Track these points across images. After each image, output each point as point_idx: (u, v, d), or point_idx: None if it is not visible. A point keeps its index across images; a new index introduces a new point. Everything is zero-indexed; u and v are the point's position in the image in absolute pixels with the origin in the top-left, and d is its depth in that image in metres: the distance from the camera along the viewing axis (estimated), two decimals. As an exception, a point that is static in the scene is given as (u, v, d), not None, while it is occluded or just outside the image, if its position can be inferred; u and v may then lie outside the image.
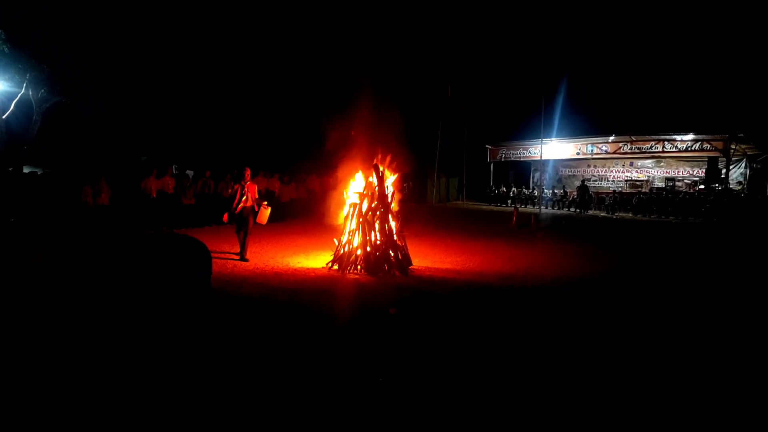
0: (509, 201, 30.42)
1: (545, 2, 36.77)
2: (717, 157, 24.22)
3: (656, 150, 27.39)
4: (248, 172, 10.06)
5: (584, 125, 30.17)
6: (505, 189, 32.01)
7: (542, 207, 27.96)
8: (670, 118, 28.17)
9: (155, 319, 5.08)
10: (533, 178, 33.55)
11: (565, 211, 27.61)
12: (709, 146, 25.35)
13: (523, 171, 34.61)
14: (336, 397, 3.93)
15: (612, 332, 5.96)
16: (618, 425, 3.69)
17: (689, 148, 26.26)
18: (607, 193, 27.48)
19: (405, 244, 9.52)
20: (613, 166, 30.53)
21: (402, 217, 9.88)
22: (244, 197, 9.84)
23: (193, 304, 5.71)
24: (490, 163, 34.19)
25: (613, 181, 30.22)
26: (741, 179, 26.44)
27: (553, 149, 30.25)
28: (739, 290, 8.60)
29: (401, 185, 11.20)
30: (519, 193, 31.30)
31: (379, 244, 9.11)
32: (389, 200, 9.44)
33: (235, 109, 24.08)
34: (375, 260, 8.97)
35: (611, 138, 28.49)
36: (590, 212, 26.40)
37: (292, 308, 6.63)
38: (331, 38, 26.21)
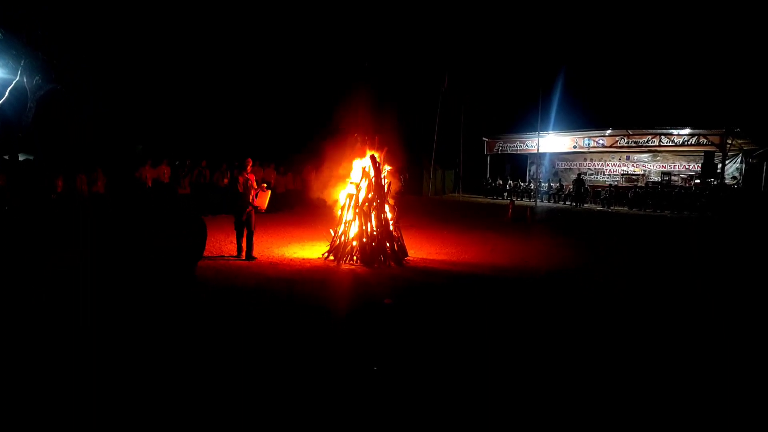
0: (505, 194, 30.40)
1: (544, -5, 36.63)
2: (713, 152, 24.26)
3: (653, 144, 27.39)
4: (250, 163, 9.43)
5: (581, 119, 30.20)
6: (501, 182, 31.98)
7: (538, 200, 28.00)
8: (667, 112, 28.23)
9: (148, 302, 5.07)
10: (530, 171, 33.53)
11: (560, 204, 27.63)
12: (705, 141, 25.37)
13: (519, 164, 34.59)
14: (331, 386, 3.94)
15: (603, 321, 5.99)
16: (609, 411, 3.72)
17: (686, 143, 26.28)
18: (603, 187, 27.50)
19: (401, 235, 9.53)
20: (610, 160, 30.54)
21: (398, 208, 9.88)
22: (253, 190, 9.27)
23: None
24: (486, 155, 34.14)
25: (609, 175, 30.24)
26: (736, 174, 26.51)
27: (550, 142, 30.24)
28: (729, 281, 8.65)
29: (397, 176, 11.16)
30: (515, 186, 31.29)
31: (375, 234, 9.11)
32: (386, 191, 9.42)
33: (231, 98, 23.93)
34: (371, 251, 8.97)
35: (608, 131, 28.48)
36: (586, 206, 26.43)
37: (287, 298, 6.64)
38: (327, 29, 26.08)
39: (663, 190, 25.70)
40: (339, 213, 9.67)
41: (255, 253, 9.10)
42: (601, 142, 29.13)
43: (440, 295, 7.21)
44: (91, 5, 14.89)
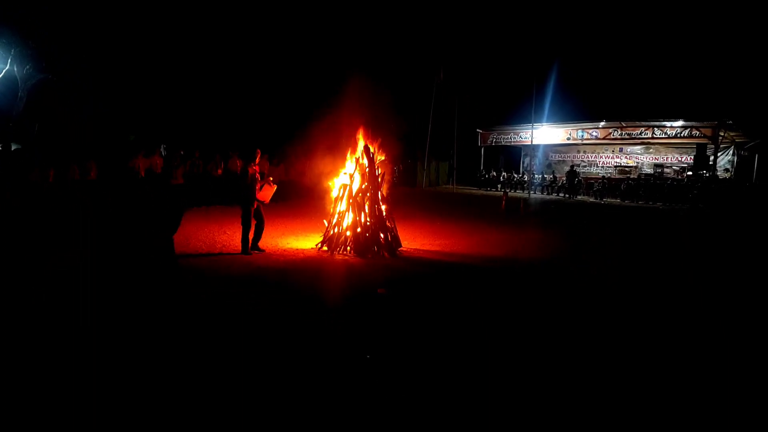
0: (499, 185, 30.48)
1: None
2: (705, 144, 24.41)
3: (646, 136, 27.52)
4: (259, 154, 9.10)
5: (575, 111, 30.28)
6: (495, 174, 32.05)
7: (532, 192, 28.09)
8: (660, 104, 28.32)
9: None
10: (523, 163, 33.61)
11: (554, 196, 27.74)
12: (698, 133, 25.50)
13: (513, 156, 34.66)
14: (323, 373, 3.97)
15: (592, 309, 6.05)
16: (596, 394, 3.77)
17: (678, 135, 26.41)
18: (596, 179, 27.61)
19: (394, 226, 9.55)
20: (603, 152, 30.65)
21: (392, 199, 9.89)
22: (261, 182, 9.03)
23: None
24: (480, 147, 34.18)
25: (602, 167, 30.37)
26: (728, 166, 26.69)
27: (544, 134, 30.31)
28: (718, 271, 8.74)
29: (391, 168, 11.16)
30: (509, 177, 31.36)
31: (369, 225, 9.13)
32: (379, 181, 9.43)
33: (223, 88, 23.81)
34: (364, 241, 8.99)
35: (602, 123, 28.58)
36: (579, 197, 26.54)
37: (281, 288, 6.66)
38: (321, 20, 25.95)
39: (655, 182, 25.84)
40: (332, 204, 9.68)
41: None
42: (594, 134, 29.22)
43: (433, 284, 7.25)
44: None
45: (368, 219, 9.17)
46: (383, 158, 9.62)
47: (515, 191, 28.72)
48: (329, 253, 9.03)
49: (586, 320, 5.73)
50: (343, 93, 10.55)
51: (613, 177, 28.33)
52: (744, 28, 28.96)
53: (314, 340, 4.71)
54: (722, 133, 24.97)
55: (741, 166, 26.37)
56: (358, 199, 9.24)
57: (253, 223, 8.73)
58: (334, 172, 9.93)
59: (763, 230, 14.99)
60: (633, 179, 26.74)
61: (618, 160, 30.03)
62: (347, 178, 9.52)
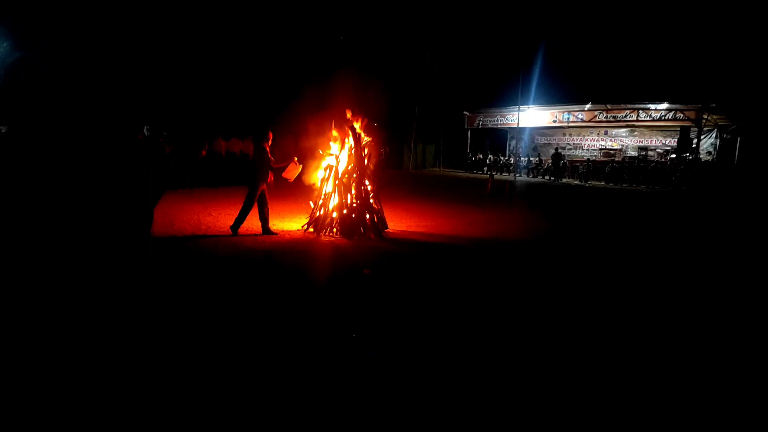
0: (485, 168, 30.60)
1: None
2: (689, 127, 24.63)
3: (631, 119, 27.71)
4: (271, 135, 8.80)
5: (561, 93, 30.34)
6: (481, 156, 32.13)
7: (518, 175, 28.23)
8: (645, 87, 28.44)
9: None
10: (509, 146, 33.69)
11: (539, 179, 27.92)
12: (682, 116, 25.73)
13: (499, 138, 34.71)
14: (309, 352, 3.99)
15: (571, 283, 6.13)
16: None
17: (663, 117, 26.62)
18: (581, 162, 27.82)
19: (381, 207, 9.54)
20: (588, 135, 30.82)
21: (378, 181, 9.86)
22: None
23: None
24: (467, 130, 34.17)
25: (587, 149, 30.56)
26: (711, 149, 26.99)
27: (530, 117, 30.38)
28: (692, 252, 8.89)
29: (378, 149, 11.09)
30: (495, 160, 31.47)
31: (355, 206, 9.11)
32: (366, 163, 9.39)
33: (209, 70, 23.46)
34: (351, 223, 8.98)
35: (587, 106, 28.69)
36: (564, 180, 26.75)
37: (266, 267, 6.64)
38: (307, 2, 25.58)
39: (639, 164, 26.11)
40: (318, 185, 9.63)
41: (230, 226, 8.88)
42: (580, 116, 29.34)
43: (419, 264, 7.28)
44: None
45: (354, 200, 9.15)
46: (369, 139, 9.56)
47: (501, 174, 28.86)
48: (315, 234, 9.01)
49: (563, 294, 5.80)
50: (330, 75, 10.46)
51: (598, 160, 28.56)
52: (728, 13, 29.06)
53: (299, 318, 4.71)
54: (706, 116, 25.23)
55: (723, 149, 26.67)
56: (344, 180, 9.20)
57: (255, 206, 8.53)
58: (320, 154, 9.86)
59: (741, 211, 15.24)
60: (617, 162, 26.99)
61: (603, 143, 30.23)
62: (333, 159, 9.46)
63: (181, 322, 4.54)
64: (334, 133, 9.54)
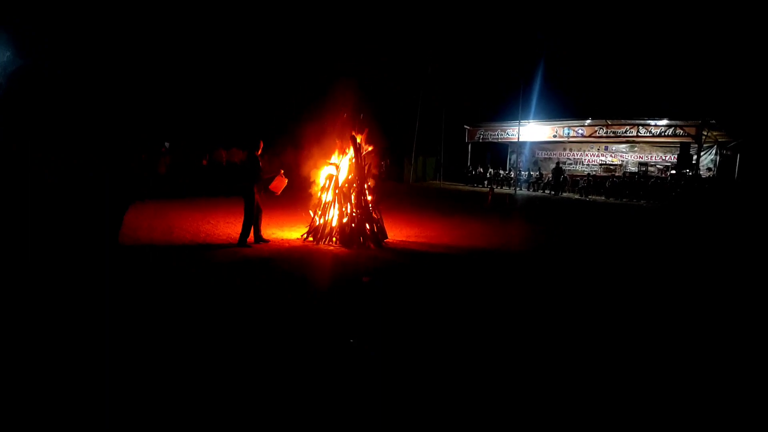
0: (486, 182, 30.62)
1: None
2: (689, 143, 24.66)
3: (631, 134, 27.77)
4: (262, 145, 8.72)
5: (561, 108, 30.47)
6: (482, 170, 32.17)
7: (518, 188, 28.25)
8: (645, 103, 28.62)
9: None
10: (510, 159, 33.76)
11: (540, 193, 27.94)
12: (682, 132, 25.79)
13: (500, 152, 34.80)
14: (307, 357, 3.95)
15: (566, 291, 6.09)
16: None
17: (663, 134, 26.68)
18: (581, 176, 27.84)
19: (380, 217, 9.52)
20: (588, 150, 30.89)
21: (378, 191, 9.86)
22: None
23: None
24: (468, 143, 34.26)
25: (587, 164, 30.60)
26: (711, 165, 27.04)
27: (531, 131, 30.46)
28: (691, 264, 8.86)
29: (378, 161, 11.10)
30: (495, 174, 31.52)
31: (355, 216, 9.09)
32: (366, 172, 9.39)
33: (211, 83, 23.60)
34: (350, 232, 8.96)
35: (587, 121, 28.78)
36: (564, 194, 26.76)
37: (265, 275, 6.61)
38: (310, 15, 25.81)
39: (639, 180, 26.14)
40: (318, 194, 9.62)
41: (234, 233, 8.88)
42: (580, 131, 29.42)
43: (418, 273, 7.24)
44: None
45: (354, 210, 9.13)
46: (370, 149, 9.57)
47: (501, 188, 28.87)
48: (315, 243, 8.98)
49: (558, 301, 5.76)
50: (331, 87, 10.49)
51: (598, 175, 28.60)
52: (728, 30, 29.33)
53: (297, 324, 4.67)
54: (706, 133, 25.30)
55: (723, 165, 26.75)
56: (344, 189, 9.19)
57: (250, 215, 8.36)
58: (320, 164, 9.86)
59: (739, 226, 15.22)
60: (618, 177, 27.01)
61: (603, 158, 30.29)
62: (333, 168, 9.46)
63: (180, 324, 4.50)
64: (335, 143, 9.55)
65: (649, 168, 28.22)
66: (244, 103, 24.62)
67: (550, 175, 28.04)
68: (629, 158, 29.34)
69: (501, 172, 32.02)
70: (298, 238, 9.34)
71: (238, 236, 8.51)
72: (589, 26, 34.91)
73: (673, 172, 25.75)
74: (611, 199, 24.90)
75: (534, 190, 28.68)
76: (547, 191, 27.83)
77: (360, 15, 26.96)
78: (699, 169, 25.40)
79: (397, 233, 10.38)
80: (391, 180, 28.46)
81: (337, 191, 9.22)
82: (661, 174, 27.28)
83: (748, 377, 4.04)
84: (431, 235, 10.70)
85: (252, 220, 8.40)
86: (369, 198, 9.40)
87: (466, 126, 33.83)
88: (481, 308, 5.60)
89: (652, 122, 26.63)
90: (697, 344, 4.77)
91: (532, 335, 4.77)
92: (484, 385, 3.63)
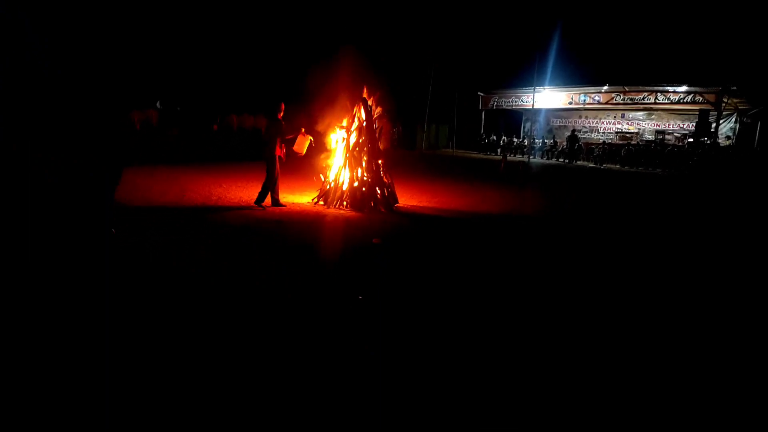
0: (499, 150, 30.29)
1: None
2: (708, 110, 24.10)
3: (649, 101, 27.19)
4: (283, 107, 8.59)
5: (578, 75, 29.83)
6: (495, 138, 31.79)
7: (532, 157, 27.93)
8: (664, 69, 27.90)
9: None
10: (524, 127, 33.31)
11: (554, 161, 27.61)
12: (701, 99, 25.19)
13: (514, 120, 34.32)
14: (318, 312, 3.97)
15: (577, 255, 6.06)
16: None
17: (681, 101, 26.09)
18: (597, 144, 27.43)
19: (392, 182, 9.47)
20: (605, 118, 30.34)
21: (390, 156, 9.78)
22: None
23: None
24: (481, 111, 33.80)
25: (603, 132, 30.10)
26: (730, 134, 26.47)
27: (546, 98, 29.92)
28: (702, 236, 8.74)
29: (390, 128, 10.97)
30: (509, 142, 31.14)
31: (366, 180, 9.04)
32: (377, 136, 9.30)
33: (222, 46, 23.34)
34: (361, 196, 8.93)
35: (604, 88, 28.20)
36: (579, 163, 26.43)
37: (276, 237, 6.63)
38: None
39: (656, 148, 25.69)
40: (329, 158, 9.57)
41: (245, 197, 8.90)
42: (596, 98, 28.86)
43: (428, 235, 7.23)
44: None
45: (365, 174, 9.08)
46: (381, 111, 9.45)
47: (515, 156, 28.56)
48: (325, 207, 8.98)
49: (565, 269, 5.73)
50: (343, 50, 10.30)
51: (613, 143, 28.14)
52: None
53: (307, 282, 4.69)
54: (725, 100, 24.69)
55: (743, 134, 26.15)
56: (355, 153, 9.13)
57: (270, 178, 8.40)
58: (331, 128, 9.78)
59: (758, 196, 14.96)
60: (633, 145, 26.56)
61: (619, 126, 29.76)
62: (344, 132, 9.37)
63: (191, 289, 4.54)
64: (346, 105, 9.44)
65: (666, 136, 27.71)
66: (255, 69, 24.38)
67: (565, 143, 27.66)
68: (646, 126, 28.80)
69: (515, 140, 31.63)
70: (309, 202, 9.33)
71: (250, 200, 8.56)
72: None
73: (691, 140, 25.24)
74: (626, 168, 24.57)
75: (548, 159, 28.35)
76: (561, 159, 27.50)
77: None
78: (717, 137, 24.87)
79: (408, 199, 10.33)
80: (403, 148, 28.27)
81: (347, 155, 9.16)
82: (678, 142, 26.78)
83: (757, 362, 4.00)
84: (442, 201, 10.64)
85: (272, 184, 8.44)
86: (380, 161, 9.32)
87: (479, 93, 33.32)
88: (490, 271, 5.58)
89: (671, 88, 26.03)
90: (703, 327, 4.73)
91: (533, 305, 4.75)
92: (485, 356, 3.63)
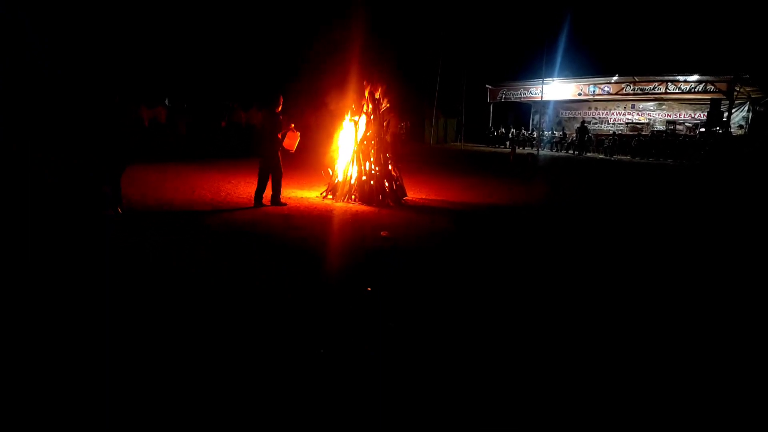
0: (508, 143, 30.14)
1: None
2: (720, 99, 23.80)
3: (659, 91, 26.91)
4: (282, 100, 8.32)
5: (587, 65, 29.56)
6: (504, 130, 31.62)
7: (541, 149, 27.76)
8: (674, 58, 27.55)
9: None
10: (533, 120, 33.10)
11: (563, 153, 27.45)
12: (712, 88, 24.88)
13: (523, 113, 34.13)
14: (326, 302, 3.98)
15: (585, 247, 6.03)
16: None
17: (692, 90, 25.79)
18: (607, 136, 27.19)
19: (400, 175, 9.45)
20: (614, 109, 30.07)
21: (398, 149, 9.76)
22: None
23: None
24: (489, 103, 33.64)
25: (613, 123, 29.83)
26: (743, 123, 26.12)
27: (554, 90, 29.69)
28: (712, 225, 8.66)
29: (397, 119, 10.93)
30: (518, 134, 30.96)
31: (374, 173, 9.04)
32: (384, 129, 9.28)
33: (228, 41, 23.34)
34: (369, 189, 8.93)
35: (614, 78, 27.94)
36: (589, 154, 26.25)
37: (285, 230, 6.64)
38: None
39: (667, 138, 25.44)
40: (336, 152, 9.56)
41: (252, 194, 8.81)
42: (606, 89, 28.61)
43: (437, 227, 7.21)
44: None
45: (373, 167, 9.07)
46: (388, 105, 9.43)
47: (524, 148, 28.41)
48: (334, 201, 8.98)
49: (569, 260, 5.71)
50: (349, 44, 10.29)
51: (624, 134, 27.90)
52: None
53: (315, 275, 4.71)
54: (738, 88, 24.38)
55: (756, 123, 25.78)
56: (362, 146, 9.12)
57: (270, 176, 8.13)
58: (339, 122, 9.76)
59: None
60: (644, 136, 26.31)
61: (630, 117, 29.48)
62: (352, 125, 9.36)
63: (198, 280, 4.57)
64: (353, 99, 9.42)
65: (677, 126, 27.41)
66: (260, 63, 24.35)
67: (575, 135, 27.46)
68: (657, 116, 28.52)
69: (524, 132, 31.43)
70: (317, 197, 9.34)
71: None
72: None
73: (703, 130, 24.95)
74: (637, 159, 24.36)
75: (557, 151, 28.18)
76: (570, 151, 27.31)
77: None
78: (730, 126, 24.56)
79: (417, 192, 10.32)
80: (411, 141, 28.19)
81: (355, 148, 9.15)
82: (690, 132, 26.48)
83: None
84: (451, 194, 10.62)
85: (265, 182, 8.12)
86: (388, 155, 9.31)
87: (488, 86, 33.15)
88: (499, 261, 5.57)
89: (682, 78, 25.74)
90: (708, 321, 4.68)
91: (538, 302, 4.74)
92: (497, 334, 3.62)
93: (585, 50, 30.50)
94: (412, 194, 9.84)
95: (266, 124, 8.29)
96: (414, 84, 26.91)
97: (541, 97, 28.54)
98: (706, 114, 24.28)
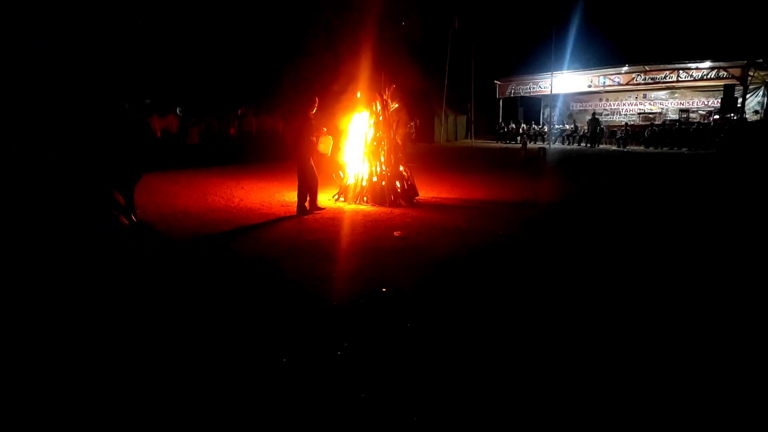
0: (518, 138, 29.95)
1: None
2: (734, 85, 23.44)
3: (671, 80, 26.58)
4: (317, 102, 7.97)
5: (596, 56, 29.31)
6: (514, 126, 31.43)
7: (552, 143, 27.56)
8: (685, 45, 27.19)
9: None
10: (543, 114, 32.87)
11: (575, 146, 27.22)
12: (725, 74, 24.51)
13: (532, 107, 33.89)
14: (341, 306, 3.99)
15: (599, 240, 5.97)
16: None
17: (705, 77, 25.42)
18: (619, 127, 26.92)
19: (411, 175, 9.45)
20: (626, 99, 29.74)
21: (408, 148, 9.75)
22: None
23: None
24: (499, 99, 33.49)
25: (625, 114, 29.51)
26: (758, 108, 25.69)
27: (564, 82, 29.44)
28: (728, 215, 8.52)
29: (407, 119, 10.90)
30: (528, 129, 30.75)
31: (385, 174, 9.04)
32: (394, 129, 9.28)
33: (235, 47, 23.44)
34: (381, 190, 8.93)
35: (624, 68, 27.66)
36: (601, 146, 26.01)
37: (298, 231, 6.67)
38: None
39: (680, 127, 25.10)
40: (347, 154, 9.57)
41: (266, 197, 8.85)
42: (617, 80, 28.33)
43: (450, 225, 7.19)
44: None
45: (384, 168, 9.08)
46: (397, 105, 9.42)
47: (535, 143, 28.21)
48: (346, 203, 9.00)
49: (587, 253, 5.66)
50: (356, 44, 10.29)
51: (636, 124, 27.59)
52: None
53: (330, 276, 4.72)
54: (752, 73, 23.99)
55: (772, 108, 25.38)
56: (372, 147, 9.12)
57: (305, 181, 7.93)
58: (348, 124, 9.77)
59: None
60: (657, 125, 26.01)
61: (641, 107, 29.15)
62: (362, 125, 9.37)
63: (192, 288, 4.60)
64: (362, 100, 9.43)
65: (691, 114, 27.04)
66: (268, 69, 24.43)
67: (586, 127, 27.23)
68: (669, 105, 28.16)
69: (534, 127, 31.22)
70: (329, 199, 9.37)
71: (272, 200, 8.60)
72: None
73: (717, 117, 24.59)
74: (651, 149, 24.09)
75: (569, 144, 27.95)
76: (582, 144, 27.08)
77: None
78: (745, 112, 24.18)
79: (428, 191, 10.31)
80: (421, 140, 28.13)
81: (365, 150, 9.16)
82: (704, 120, 26.11)
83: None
84: (463, 191, 10.58)
85: (306, 187, 7.94)
86: (398, 155, 9.30)
87: (496, 81, 32.99)
88: (512, 260, 5.54)
89: (694, 65, 25.39)
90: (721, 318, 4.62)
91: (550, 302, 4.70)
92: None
93: (594, 41, 30.26)
94: (424, 193, 9.83)
95: (300, 128, 7.94)
96: (424, 79, 26.82)
97: (551, 90, 28.34)
98: (719, 101, 23.94)
